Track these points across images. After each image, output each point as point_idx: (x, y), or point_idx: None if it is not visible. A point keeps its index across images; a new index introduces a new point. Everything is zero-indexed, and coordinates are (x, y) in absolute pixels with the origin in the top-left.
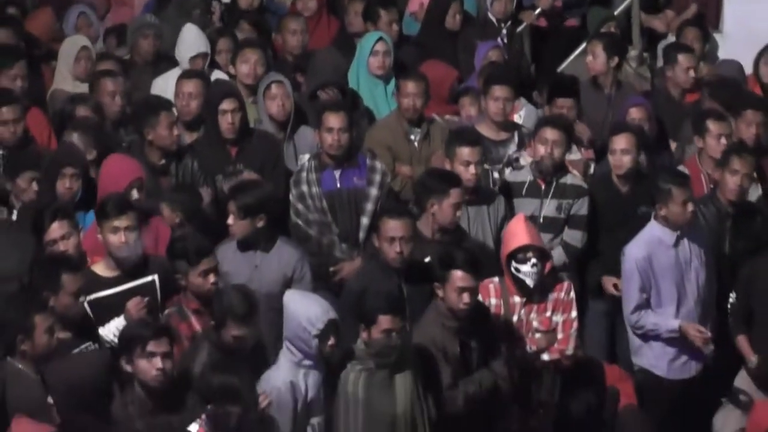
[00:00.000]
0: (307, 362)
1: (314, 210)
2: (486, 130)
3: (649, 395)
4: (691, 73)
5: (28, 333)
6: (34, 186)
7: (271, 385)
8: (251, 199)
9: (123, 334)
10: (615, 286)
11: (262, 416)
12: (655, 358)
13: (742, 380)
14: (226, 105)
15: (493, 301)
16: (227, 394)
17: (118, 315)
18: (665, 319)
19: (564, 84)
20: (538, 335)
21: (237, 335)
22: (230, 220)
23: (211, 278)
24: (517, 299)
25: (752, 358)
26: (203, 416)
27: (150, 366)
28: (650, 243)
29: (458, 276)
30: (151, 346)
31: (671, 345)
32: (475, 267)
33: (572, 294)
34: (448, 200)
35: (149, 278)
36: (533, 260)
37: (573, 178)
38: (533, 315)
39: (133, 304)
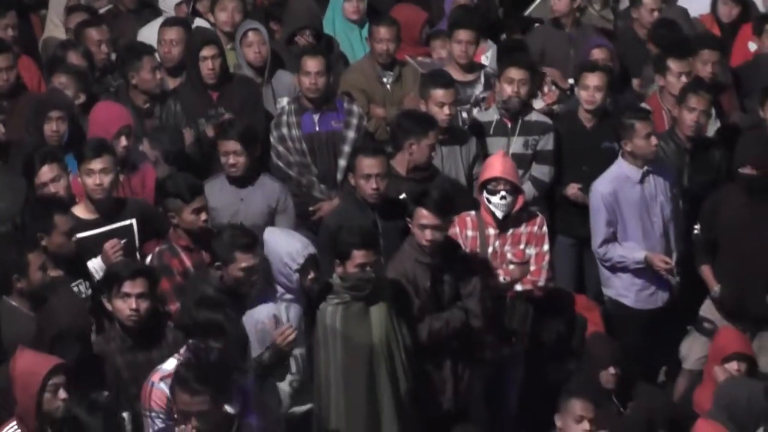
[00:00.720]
0: (288, 296)
1: (294, 152)
2: (452, 72)
3: (617, 324)
4: (656, 14)
5: (23, 271)
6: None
7: (255, 319)
8: (247, 129)
9: (103, 275)
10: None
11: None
12: (623, 289)
13: (707, 309)
14: (207, 52)
15: (470, 233)
16: (211, 329)
17: (96, 256)
18: (632, 251)
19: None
20: (512, 266)
21: (246, 266)
22: (231, 159)
23: (203, 216)
24: (492, 231)
25: (715, 288)
26: (182, 351)
27: (125, 306)
28: (617, 179)
29: (422, 213)
30: (126, 287)
31: (639, 276)
32: (442, 206)
33: (545, 228)
34: (426, 141)
35: (127, 222)
36: (503, 192)
37: (538, 115)
38: (507, 247)
39: (110, 246)
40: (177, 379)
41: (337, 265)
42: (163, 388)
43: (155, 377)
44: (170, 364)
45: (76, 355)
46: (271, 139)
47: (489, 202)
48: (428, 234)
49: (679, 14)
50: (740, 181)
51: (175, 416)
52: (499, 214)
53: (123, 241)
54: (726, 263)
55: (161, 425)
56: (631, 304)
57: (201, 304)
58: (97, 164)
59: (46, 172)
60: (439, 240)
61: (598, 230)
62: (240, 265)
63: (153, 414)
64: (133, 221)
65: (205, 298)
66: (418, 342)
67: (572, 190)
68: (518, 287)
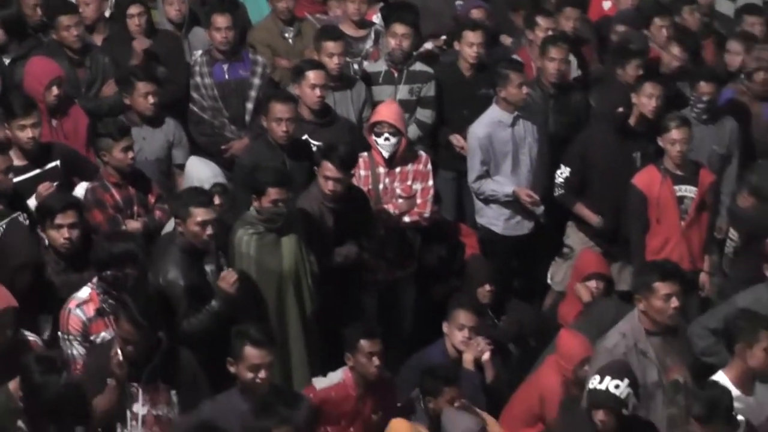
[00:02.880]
0: None
1: (207, 98)
2: (347, 28)
3: (490, 248)
4: None
5: None
6: None
7: (159, 238)
8: (159, 75)
9: (37, 208)
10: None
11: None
12: (494, 218)
13: (571, 235)
14: (133, 10)
15: (363, 172)
16: (126, 259)
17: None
18: (502, 186)
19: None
20: (400, 200)
21: (202, 220)
22: (151, 99)
23: (130, 154)
24: (382, 170)
25: (596, 219)
26: (95, 279)
27: (58, 236)
28: (491, 123)
29: (327, 167)
30: (58, 219)
31: (507, 207)
32: (345, 161)
33: (429, 165)
34: (306, 81)
35: (53, 164)
36: (386, 134)
37: (421, 65)
38: (396, 183)
39: (43, 188)
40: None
41: (254, 200)
42: (79, 314)
43: (72, 304)
44: (84, 293)
45: (31, 283)
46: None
47: (376, 142)
48: (330, 185)
49: None
50: (609, 122)
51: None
52: (385, 154)
53: (55, 184)
54: (601, 197)
55: (78, 347)
56: (500, 231)
57: (113, 237)
58: (28, 120)
59: None
60: (341, 191)
61: (474, 167)
62: (196, 219)
63: (70, 337)
64: (58, 163)
65: (116, 232)
66: (322, 270)
67: (455, 139)
68: (407, 218)
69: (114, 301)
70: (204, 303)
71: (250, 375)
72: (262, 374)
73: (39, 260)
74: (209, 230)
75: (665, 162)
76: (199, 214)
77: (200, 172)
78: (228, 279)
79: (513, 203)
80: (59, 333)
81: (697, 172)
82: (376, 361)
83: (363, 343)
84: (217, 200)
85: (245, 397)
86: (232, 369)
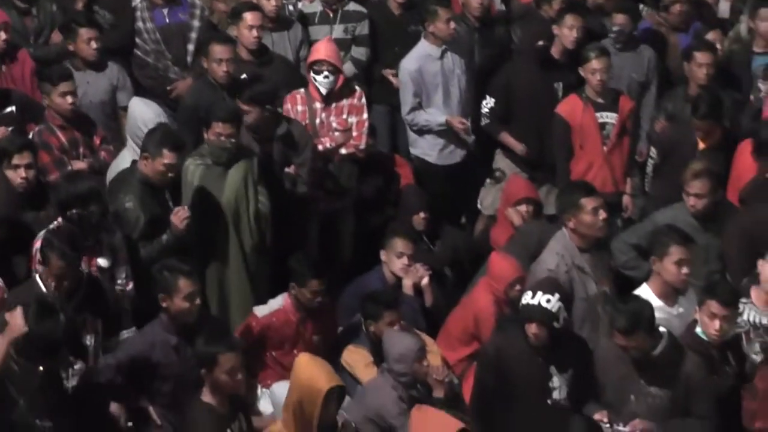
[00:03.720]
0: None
1: (150, 42)
2: None
3: (424, 177)
4: None
5: None
6: None
7: (117, 172)
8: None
9: None
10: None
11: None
12: (428, 148)
13: (499, 162)
14: None
15: (300, 108)
16: (89, 196)
17: None
18: (434, 116)
19: None
20: (337, 134)
21: (169, 163)
22: (94, 45)
23: (69, 99)
24: (318, 105)
25: (520, 147)
26: (59, 219)
27: (15, 175)
28: (420, 57)
29: (241, 105)
30: (15, 159)
31: (440, 137)
32: (258, 99)
33: (363, 100)
34: (243, 23)
35: (9, 109)
36: (325, 72)
37: (355, 5)
38: (332, 117)
39: (1, 133)
40: (48, 245)
41: (204, 132)
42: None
43: (37, 243)
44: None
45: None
46: None
47: (315, 80)
48: (248, 118)
49: None
50: (531, 54)
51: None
52: (324, 91)
53: (10, 129)
54: (525, 126)
55: None
56: (433, 161)
57: (72, 177)
58: None
59: None
60: (253, 121)
61: (406, 100)
62: (164, 161)
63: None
64: (14, 108)
65: (74, 172)
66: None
67: (388, 75)
68: (343, 151)
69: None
70: (161, 233)
71: (186, 305)
72: (197, 301)
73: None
74: (171, 174)
75: (586, 91)
76: (168, 157)
77: (143, 113)
78: (180, 215)
79: (445, 133)
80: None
81: (617, 99)
82: (319, 297)
83: (312, 282)
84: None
85: (172, 329)
86: (164, 303)
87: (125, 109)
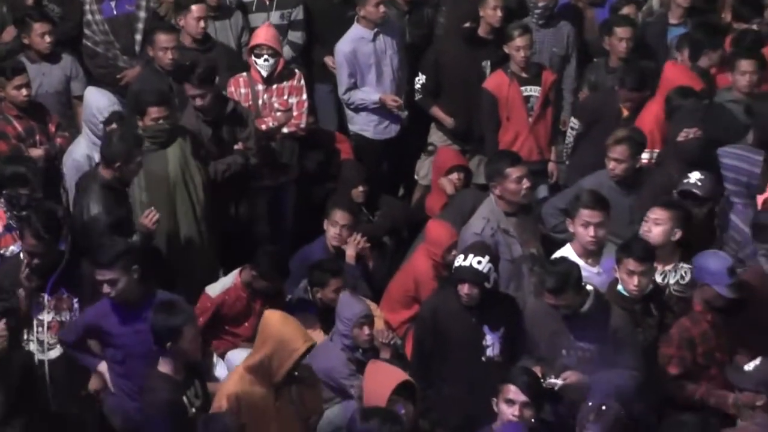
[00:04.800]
0: (98, 141)
1: (99, 33)
2: None
3: (363, 152)
4: None
5: None
6: None
7: (72, 158)
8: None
9: None
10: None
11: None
12: (364, 124)
13: (433, 135)
14: None
15: (243, 90)
16: (17, 180)
17: None
18: (369, 94)
19: None
20: (278, 113)
21: (157, 116)
22: (48, 38)
23: (24, 91)
24: (260, 87)
25: (449, 121)
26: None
27: None
28: (354, 40)
29: (187, 86)
30: None
31: (375, 113)
32: (202, 78)
33: (302, 81)
34: (190, 14)
35: None
36: (265, 56)
37: None
38: (274, 98)
39: None
40: (26, 222)
41: (138, 120)
42: None
43: None
44: None
45: None
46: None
47: (256, 64)
48: (198, 101)
49: None
50: (459, 34)
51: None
52: (264, 73)
53: None
54: (455, 101)
55: None
56: (371, 136)
57: (7, 161)
58: None
59: None
60: (205, 104)
61: (342, 80)
62: (152, 116)
63: None
64: None
65: (12, 156)
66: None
67: (329, 61)
68: (285, 129)
69: (18, 218)
70: (127, 236)
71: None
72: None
73: None
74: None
75: (511, 66)
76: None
77: (98, 101)
78: (150, 217)
79: (380, 110)
80: None
81: (540, 73)
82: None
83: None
84: (114, 126)
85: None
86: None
87: (79, 98)
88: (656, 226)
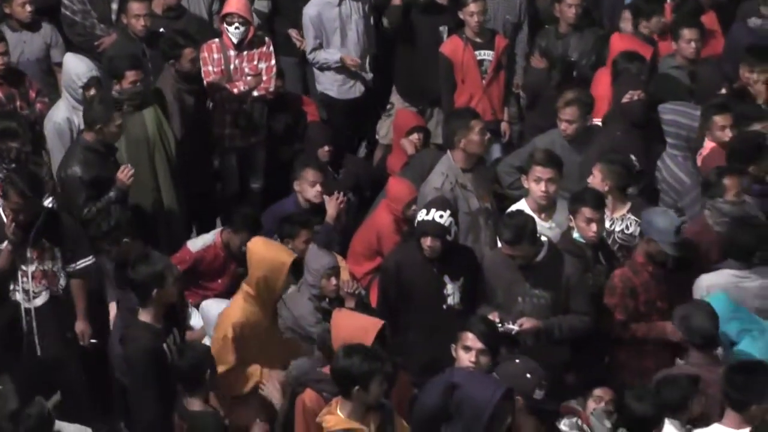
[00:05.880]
0: (78, 105)
1: (77, 2)
2: None
3: (328, 113)
4: None
5: None
6: None
7: (53, 121)
8: None
9: None
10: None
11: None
12: (329, 84)
13: (393, 97)
14: None
15: (216, 56)
16: (6, 133)
17: None
18: (332, 54)
19: None
20: (248, 78)
21: (134, 79)
22: (28, 8)
23: (2, 59)
24: (232, 53)
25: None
26: None
27: None
28: (320, 4)
29: (186, 51)
30: None
31: (339, 73)
32: (171, 46)
33: (271, 48)
34: None
35: None
36: (236, 24)
37: None
38: (245, 64)
39: None
40: (10, 182)
41: (115, 84)
42: None
43: None
44: None
45: None
46: None
47: (228, 31)
48: (187, 65)
49: None
50: (416, 3)
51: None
52: (235, 40)
53: None
54: (405, 62)
55: None
56: (335, 96)
57: None
58: None
59: None
60: (188, 68)
61: (309, 42)
62: (129, 79)
63: None
64: None
65: (2, 111)
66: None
67: (293, 34)
68: (255, 93)
69: (6, 171)
70: (102, 193)
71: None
72: None
73: None
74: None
75: (466, 32)
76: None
77: (77, 67)
78: (126, 172)
79: (344, 70)
80: None
81: (493, 38)
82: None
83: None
84: (92, 91)
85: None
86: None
87: (59, 65)
88: (593, 178)
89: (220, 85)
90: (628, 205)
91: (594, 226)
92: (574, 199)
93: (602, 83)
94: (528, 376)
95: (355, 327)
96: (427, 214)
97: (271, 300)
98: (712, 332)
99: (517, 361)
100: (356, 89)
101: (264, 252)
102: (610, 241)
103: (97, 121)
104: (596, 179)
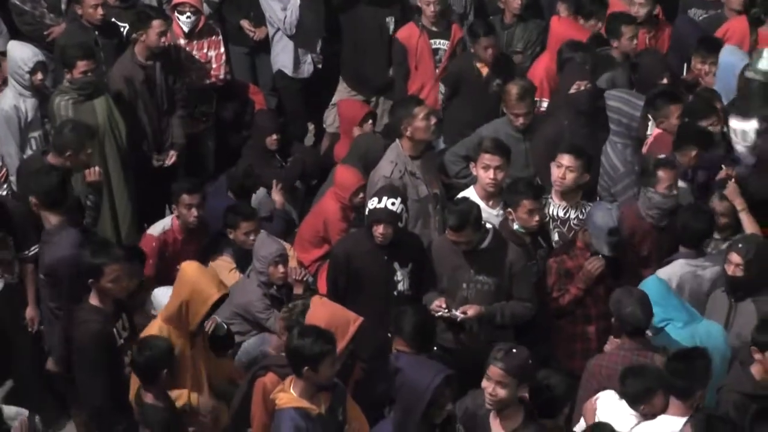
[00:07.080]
0: (25, 92)
1: None
2: None
3: (282, 94)
4: None
5: None
6: None
7: (0, 109)
8: None
9: None
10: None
11: None
12: (286, 61)
13: (341, 86)
14: None
15: (181, 41)
16: None
17: None
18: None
19: None
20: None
21: (85, 69)
22: None
23: None
24: (182, 41)
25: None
26: None
27: None
28: None
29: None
30: None
31: (294, 53)
32: (134, 25)
33: (220, 36)
34: None
35: None
36: (188, 13)
37: None
38: (195, 51)
39: None
40: None
41: (66, 73)
42: None
43: None
44: None
45: None
46: None
47: (179, 20)
48: (159, 40)
49: None
50: None
51: None
52: (186, 29)
53: None
54: (351, 52)
55: None
56: (290, 74)
57: None
58: None
59: None
60: (155, 42)
61: (274, 22)
62: (80, 69)
63: None
64: None
65: None
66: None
67: (245, 24)
68: (207, 81)
69: None
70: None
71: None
72: None
73: None
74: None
75: (422, 20)
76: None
77: (21, 52)
78: (93, 174)
79: (298, 50)
80: None
81: (449, 28)
82: (194, 211)
83: (184, 196)
84: (39, 76)
85: None
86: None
87: (3, 53)
88: (570, 173)
89: None
90: (580, 193)
91: (537, 216)
92: (515, 192)
93: (541, 66)
94: None
95: (338, 316)
96: (379, 202)
97: (189, 326)
98: (642, 320)
99: None
100: (305, 70)
101: (195, 278)
102: (566, 229)
103: (68, 148)
104: (576, 173)
